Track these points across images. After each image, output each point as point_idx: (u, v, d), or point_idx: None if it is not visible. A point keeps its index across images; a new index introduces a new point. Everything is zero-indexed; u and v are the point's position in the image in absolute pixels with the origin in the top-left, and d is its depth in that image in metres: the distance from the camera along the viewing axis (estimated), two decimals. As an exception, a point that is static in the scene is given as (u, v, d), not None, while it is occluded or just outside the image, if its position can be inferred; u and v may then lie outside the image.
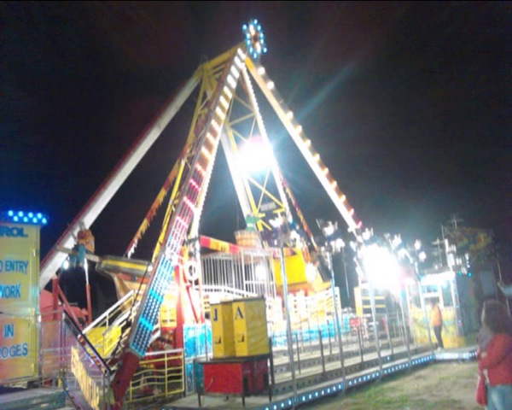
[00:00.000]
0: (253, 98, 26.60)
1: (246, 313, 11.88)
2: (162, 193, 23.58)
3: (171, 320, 15.95)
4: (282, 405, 11.56)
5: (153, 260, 17.29)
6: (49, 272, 18.41)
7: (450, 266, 22.33)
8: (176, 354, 13.96)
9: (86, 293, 19.69)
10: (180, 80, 25.69)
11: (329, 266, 15.08)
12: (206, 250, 19.34)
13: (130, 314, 14.34)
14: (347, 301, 24.22)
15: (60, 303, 18.26)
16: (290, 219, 18.61)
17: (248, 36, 25.16)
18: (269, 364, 12.18)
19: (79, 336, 10.89)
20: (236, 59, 23.50)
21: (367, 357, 16.50)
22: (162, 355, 13.70)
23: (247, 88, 26.32)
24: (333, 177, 28.11)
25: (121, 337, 13.32)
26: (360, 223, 27.28)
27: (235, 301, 13.04)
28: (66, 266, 18.36)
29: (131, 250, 22.00)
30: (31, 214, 10.87)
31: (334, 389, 13.38)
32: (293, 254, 24.16)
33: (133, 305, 14.53)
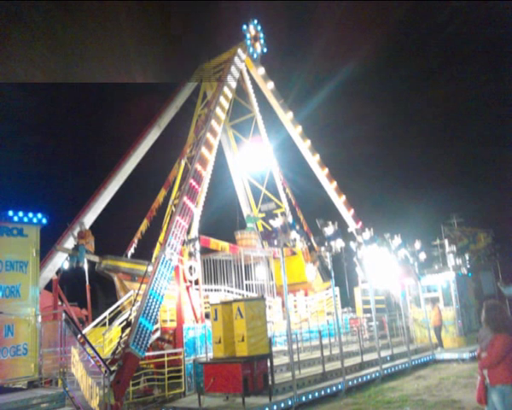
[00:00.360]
0: (253, 98, 26.59)
1: (246, 313, 11.88)
2: (162, 193, 23.56)
3: (171, 320, 15.95)
4: (282, 405, 11.56)
5: (153, 260, 17.29)
6: (49, 272, 18.40)
7: (450, 266, 22.33)
8: (176, 354, 13.96)
9: (86, 293, 19.69)
10: (180, 80, 25.68)
11: (329, 266, 15.08)
12: (206, 250, 19.34)
13: (130, 314, 14.34)
14: (347, 301, 24.22)
15: (60, 303, 18.25)
16: (290, 219, 18.62)
17: (248, 36, 25.15)
18: (269, 364, 12.18)
19: (79, 336, 10.89)
20: (236, 59, 23.50)
21: (367, 357, 16.50)
22: (162, 355, 13.70)
23: (247, 88, 26.31)
24: (333, 177, 28.11)
25: (121, 337, 13.33)
26: (360, 223, 27.28)
27: (235, 301, 13.05)
28: (66, 266, 18.35)
29: (131, 250, 21.98)
30: (31, 214, 10.87)
31: (334, 389, 13.38)
32: (293, 254, 24.16)
33: (133, 305, 14.54)
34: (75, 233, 18.07)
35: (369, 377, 14.99)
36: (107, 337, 14.97)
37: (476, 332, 12.84)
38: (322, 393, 12.95)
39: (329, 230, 14.86)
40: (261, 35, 26.04)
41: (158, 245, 18.73)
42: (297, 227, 13.64)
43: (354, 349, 17.82)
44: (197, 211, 23.53)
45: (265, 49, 26.28)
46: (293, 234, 13.31)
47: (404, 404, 11.68)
